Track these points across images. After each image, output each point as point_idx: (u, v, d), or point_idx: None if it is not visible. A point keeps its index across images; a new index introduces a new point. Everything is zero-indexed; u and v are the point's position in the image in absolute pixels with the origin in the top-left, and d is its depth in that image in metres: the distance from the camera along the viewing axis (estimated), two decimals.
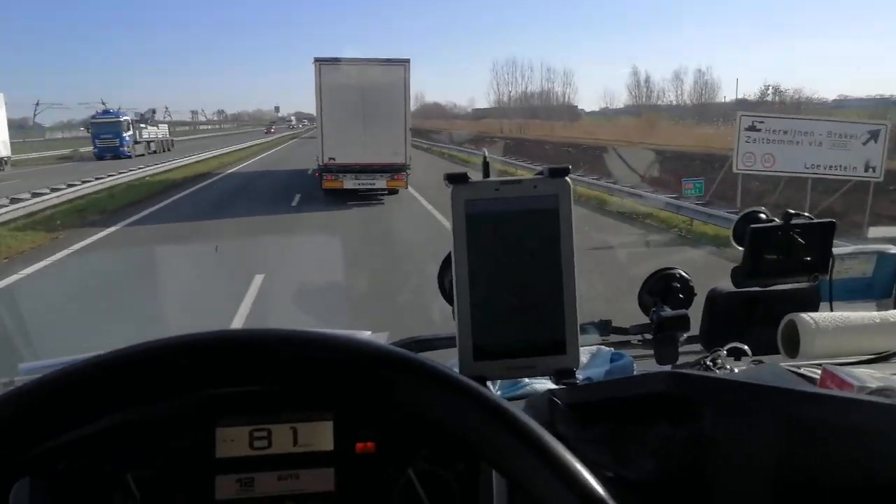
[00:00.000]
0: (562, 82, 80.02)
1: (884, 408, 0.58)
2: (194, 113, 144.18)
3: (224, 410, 0.65)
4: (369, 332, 0.74)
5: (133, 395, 0.49)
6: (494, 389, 0.85)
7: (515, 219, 0.70)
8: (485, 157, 0.75)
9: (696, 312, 1.03)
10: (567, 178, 0.70)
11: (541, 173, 0.71)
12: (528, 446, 0.48)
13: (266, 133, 76.84)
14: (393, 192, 15.77)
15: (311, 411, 0.67)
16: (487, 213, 0.70)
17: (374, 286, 6.63)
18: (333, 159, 15.31)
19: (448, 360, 0.82)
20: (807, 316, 0.92)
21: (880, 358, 0.88)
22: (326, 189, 15.42)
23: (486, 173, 0.73)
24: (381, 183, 15.48)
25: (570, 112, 68.09)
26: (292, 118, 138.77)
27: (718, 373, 0.83)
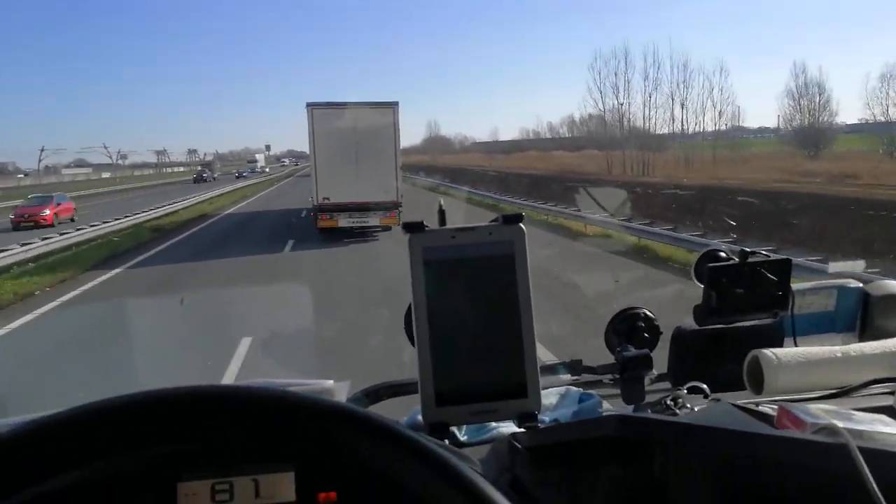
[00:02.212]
0: (709, 84, 41.08)
1: (825, 447, 0.59)
2: (160, 153, 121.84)
3: (185, 465, 0.66)
4: (331, 382, 0.75)
5: (91, 451, 0.51)
6: (461, 434, 0.87)
7: (472, 265, 0.73)
8: (440, 206, 0.77)
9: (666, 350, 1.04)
10: (521, 225, 0.73)
11: (496, 220, 0.74)
12: (473, 500, 0.49)
13: None
14: (386, 228, 16.18)
15: (272, 462, 0.67)
16: (444, 260, 0.72)
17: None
18: (328, 199, 15.92)
19: (415, 405, 0.83)
20: (769, 352, 0.94)
21: (842, 392, 0.90)
22: (321, 228, 15.98)
23: (443, 221, 0.75)
24: (374, 220, 16.04)
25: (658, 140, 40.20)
26: (258, 158, 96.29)
27: (679, 413, 0.84)
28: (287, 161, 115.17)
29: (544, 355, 1.23)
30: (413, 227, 0.72)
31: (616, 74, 43.03)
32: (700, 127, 41.96)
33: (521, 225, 0.73)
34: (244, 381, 0.74)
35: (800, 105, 38.99)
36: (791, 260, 0.98)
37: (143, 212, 23.15)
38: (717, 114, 41.41)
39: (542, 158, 53.89)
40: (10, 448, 0.48)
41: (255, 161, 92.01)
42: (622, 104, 43.17)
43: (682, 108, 41.73)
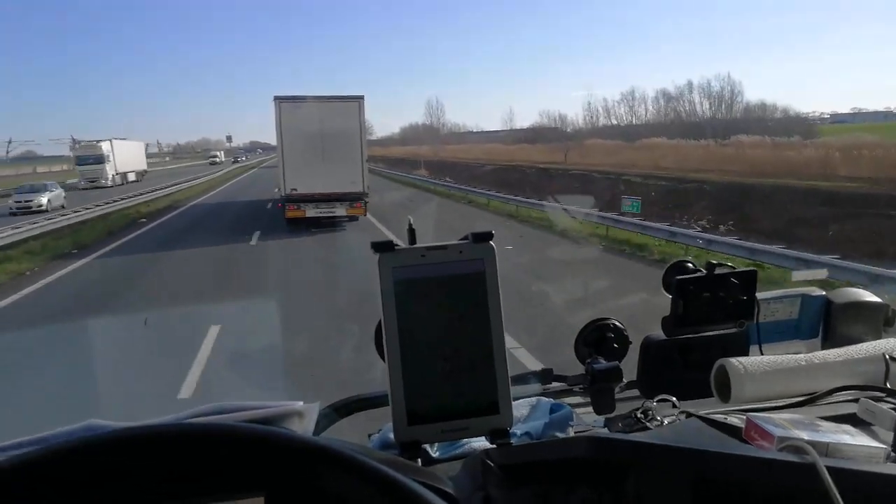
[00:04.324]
0: None
1: (794, 466, 0.60)
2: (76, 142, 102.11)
3: (154, 497, 0.64)
4: (301, 403, 0.74)
5: (56, 491, 0.50)
6: (433, 451, 0.86)
7: (443, 284, 0.72)
8: (410, 224, 0.77)
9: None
10: (491, 243, 0.73)
11: (466, 238, 0.73)
12: None
13: None
14: (353, 218, 16.79)
15: (242, 490, 0.66)
16: (415, 280, 0.72)
17: None
18: (295, 190, 16.28)
19: (387, 421, 0.82)
20: (736, 361, 0.95)
21: (807, 400, 0.91)
22: (289, 218, 16.39)
23: (413, 240, 0.74)
24: (341, 211, 16.55)
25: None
26: (104, 151, 38.35)
27: (650, 426, 0.84)
28: (219, 155, 77.92)
29: None
30: (383, 247, 0.71)
31: None
32: None
33: (492, 243, 0.73)
34: (212, 404, 0.72)
35: None
36: (756, 271, 1.00)
37: None
38: None
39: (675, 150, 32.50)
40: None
41: (104, 162, 39.03)
42: None
43: None
